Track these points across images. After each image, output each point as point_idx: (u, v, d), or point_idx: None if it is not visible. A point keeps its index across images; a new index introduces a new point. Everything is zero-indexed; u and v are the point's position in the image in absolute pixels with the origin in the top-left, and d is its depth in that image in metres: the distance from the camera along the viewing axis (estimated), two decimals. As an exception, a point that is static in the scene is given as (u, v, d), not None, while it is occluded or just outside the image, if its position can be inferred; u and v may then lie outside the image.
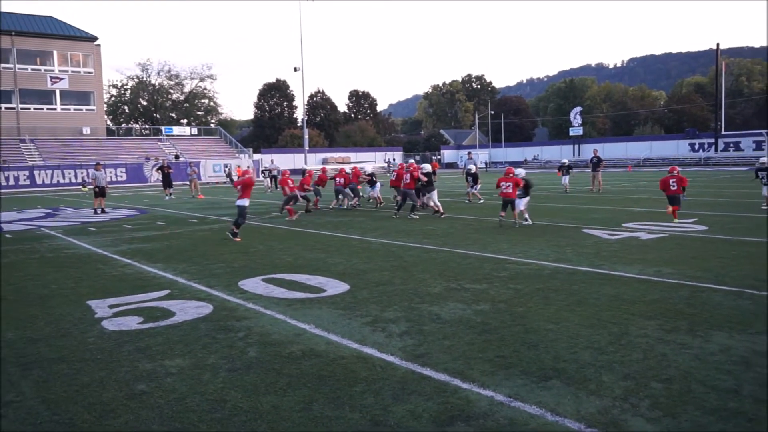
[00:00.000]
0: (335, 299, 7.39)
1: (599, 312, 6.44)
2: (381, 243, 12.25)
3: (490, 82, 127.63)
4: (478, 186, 22.59)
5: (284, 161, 61.33)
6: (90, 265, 10.49)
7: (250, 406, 4.27)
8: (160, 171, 31.49)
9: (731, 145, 59.61)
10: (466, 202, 21.91)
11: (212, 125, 79.96)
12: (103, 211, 21.63)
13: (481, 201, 21.60)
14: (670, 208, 14.06)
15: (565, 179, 26.56)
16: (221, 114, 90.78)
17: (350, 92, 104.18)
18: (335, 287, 8.06)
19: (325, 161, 68.71)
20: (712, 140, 61.11)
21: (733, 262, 9.04)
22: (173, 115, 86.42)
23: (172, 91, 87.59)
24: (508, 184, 14.20)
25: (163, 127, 64.42)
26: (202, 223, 17.22)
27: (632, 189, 27.44)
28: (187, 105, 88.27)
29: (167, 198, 29.09)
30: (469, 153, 29.12)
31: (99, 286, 8.63)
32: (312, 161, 66.86)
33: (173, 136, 61.98)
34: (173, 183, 31.36)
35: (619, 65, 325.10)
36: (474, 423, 3.92)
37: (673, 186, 14.05)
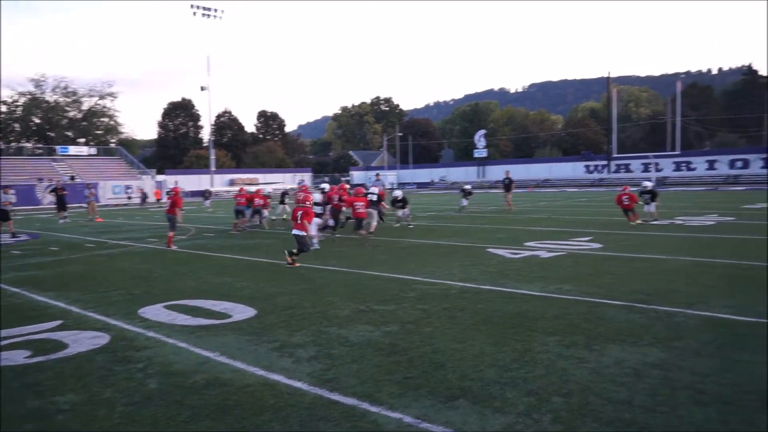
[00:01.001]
0: (242, 325, 7.21)
1: (503, 330, 6.63)
2: (289, 266, 12.10)
3: (398, 105, 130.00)
4: (407, 210, 20.87)
5: (189, 182, 59.70)
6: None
7: (149, 441, 4.07)
8: (53, 193, 29.83)
9: (622, 166, 63.52)
10: (395, 225, 20.70)
11: (112, 145, 76.65)
12: (14, 235, 20.26)
13: (411, 226, 20.17)
14: (633, 216, 17.96)
15: (464, 201, 27.12)
16: (122, 133, 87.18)
17: (259, 112, 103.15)
18: (242, 312, 7.87)
19: (232, 182, 67.38)
20: (605, 162, 64.89)
21: (624, 278, 9.57)
22: (69, 133, 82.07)
23: (68, 109, 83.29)
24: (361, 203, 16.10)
25: (57, 147, 61.08)
26: (100, 248, 16.40)
27: (533, 209, 28.59)
28: (85, 123, 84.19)
29: (62, 221, 27.54)
30: (377, 174, 29.30)
31: (-18, 318, 8.00)
32: (219, 182, 65.44)
33: (69, 155, 58.90)
34: (68, 205, 29.76)
35: (520, 90, 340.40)
36: (382, 447, 3.91)
37: (626, 201, 17.91)
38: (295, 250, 11.88)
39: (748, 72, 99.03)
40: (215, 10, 63.97)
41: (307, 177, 76.35)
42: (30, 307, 8.73)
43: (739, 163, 56.33)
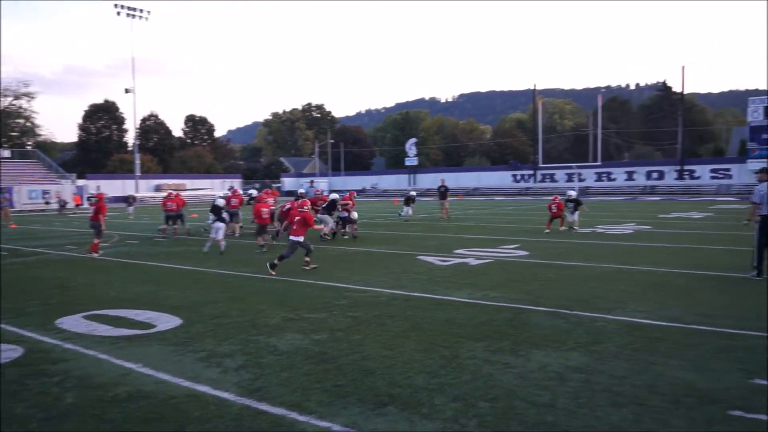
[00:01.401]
0: (166, 335, 7.01)
1: (432, 336, 6.71)
2: (217, 273, 11.86)
3: (330, 112, 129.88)
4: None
5: (113, 188, 57.56)
6: None
7: (65, 458, 3.89)
8: None
9: (548, 176, 65.61)
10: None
11: (29, 147, 72.98)
12: None
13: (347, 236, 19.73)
14: (562, 221, 19.67)
15: (408, 210, 26.95)
16: (40, 135, 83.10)
17: (187, 117, 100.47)
18: (167, 322, 7.65)
19: (158, 188, 65.41)
20: (532, 172, 66.86)
21: (550, 285, 9.89)
22: (-19, 135, 77.69)
23: (-21, 108, 78.82)
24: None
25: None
26: (14, 256, 15.59)
27: (463, 216, 29.10)
28: (-1, 125, 79.86)
29: None
30: (312, 181, 29.09)
31: None
32: (144, 188, 63.41)
33: (-19, 159, 55.73)
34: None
35: (450, 100, 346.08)
36: (311, 456, 3.88)
37: (554, 210, 19.48)
38: (276, 261, 11.56)
39: (663, 88, 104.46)
40: (141, 11, 62.07)
41: (236, 183, 75.02)
42: (-65, 318, 8.20)
43: (655, 174, 59.22)
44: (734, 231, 18.29)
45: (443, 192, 27.74)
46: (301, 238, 11.81)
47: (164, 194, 21.64)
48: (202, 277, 11.45)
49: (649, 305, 8.15)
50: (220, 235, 15.20)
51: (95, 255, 14.92)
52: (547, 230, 19.20)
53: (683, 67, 54.97)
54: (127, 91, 62.13)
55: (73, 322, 7.73)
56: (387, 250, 15.33)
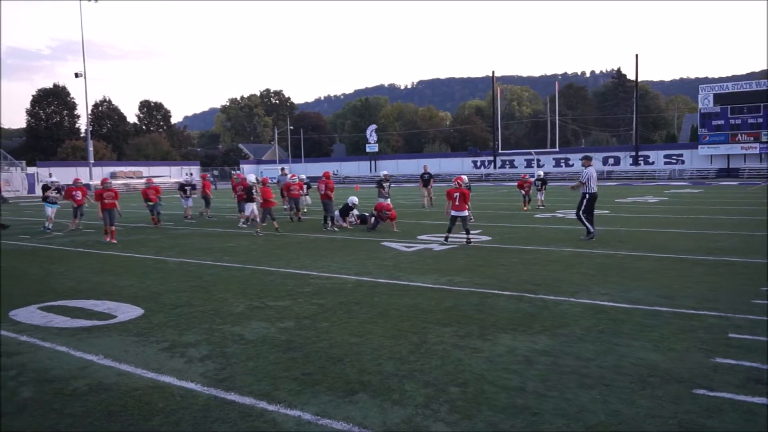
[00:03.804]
0: (127, 325, 6.81)
1: (400, 322, 6.68)
2: (178, 262, 11.61)
3: (289, 98, 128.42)
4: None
5: (66, 175, 55.85)
6: None
7: (24, 455, 3.73)
8: None
9: (507, 162, 66.32)
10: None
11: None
12: None
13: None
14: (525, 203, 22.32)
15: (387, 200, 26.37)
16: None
17: (141, 102, 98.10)
18: (127, 312, 7.44)
19: (113, 175, 63.81)
20: (491, 158, 67.47)
21: (513, 269, 9.96)
22: None
23: None
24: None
25: None
26: (-38, 246, 14.98)
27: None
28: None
29: None
30: (282, 169, 28.30)
31: None
32: (98, 176, 61.72)
33: None
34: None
35: (409, 86, 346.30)
36: (282, 446, 3.80)
37: (526, 188, 22.49)
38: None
39: (617, 75, 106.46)
40: (91, -8, 60.02)
41: (195, 170, 73.75)
42: None
43: (611, 160, 60.44)
44: (689, 215, 18.79)
45: (427, 179, 26.85)
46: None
47: (143, 183, 20.97)
48: (162, 266, 11.20)
49: (611, 288, 8.28)
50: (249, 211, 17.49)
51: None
52: (525, 209, 21.95)
53: (636, 56, 55.78)
54: (77, 75, 60.08)
55: (27, 314, 7.46)
56: (351, 237, 15.24)
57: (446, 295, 8.13)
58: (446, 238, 13.45)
